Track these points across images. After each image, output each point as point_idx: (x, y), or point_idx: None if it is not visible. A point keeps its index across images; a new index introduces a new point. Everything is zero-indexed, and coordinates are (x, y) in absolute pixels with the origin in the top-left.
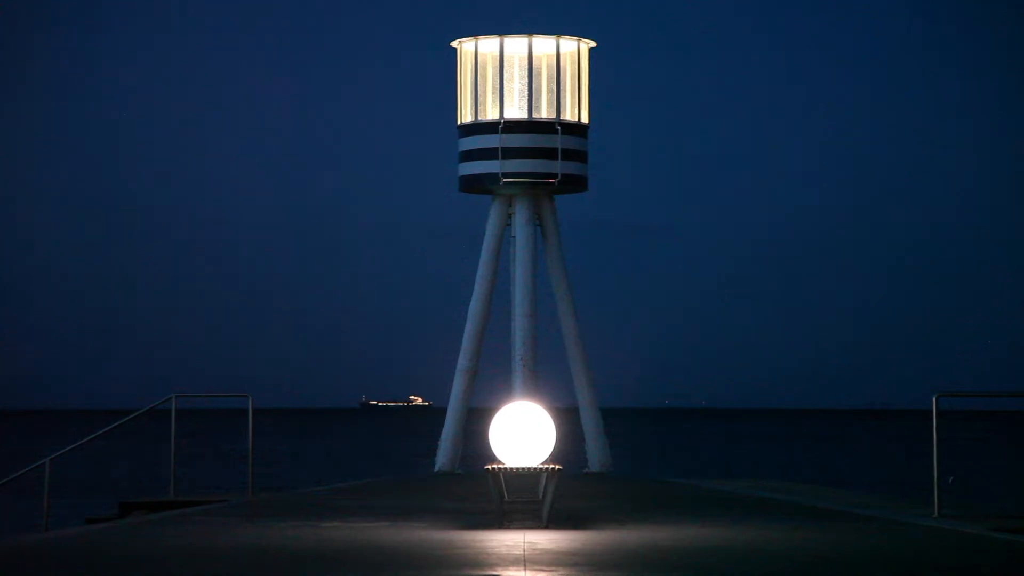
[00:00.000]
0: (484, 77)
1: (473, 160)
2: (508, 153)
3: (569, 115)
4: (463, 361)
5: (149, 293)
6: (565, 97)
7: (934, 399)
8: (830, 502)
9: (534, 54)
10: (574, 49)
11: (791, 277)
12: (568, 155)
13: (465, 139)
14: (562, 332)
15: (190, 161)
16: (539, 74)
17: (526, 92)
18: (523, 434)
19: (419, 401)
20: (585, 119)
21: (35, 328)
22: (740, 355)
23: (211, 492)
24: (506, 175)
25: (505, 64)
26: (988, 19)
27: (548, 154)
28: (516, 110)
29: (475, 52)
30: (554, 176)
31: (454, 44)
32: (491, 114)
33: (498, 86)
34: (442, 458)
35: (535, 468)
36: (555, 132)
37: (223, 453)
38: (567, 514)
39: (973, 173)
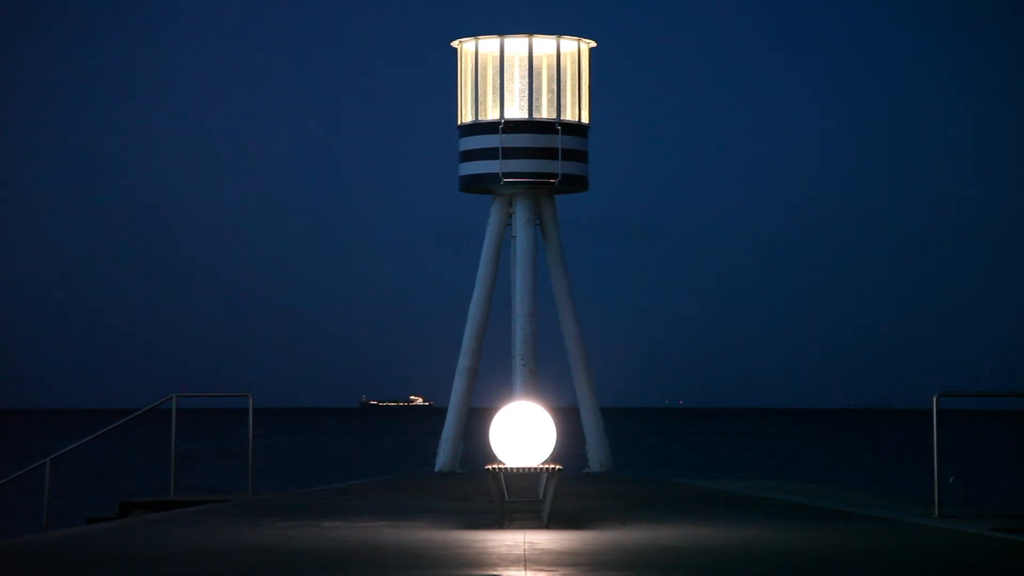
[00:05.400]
0: (484, 77)
1: (473, 160)
2: (508, 153)
3: (569, 115)
4: (463, 361)
5: (149, 293)
6: (565, 97)
7: (934, 399)
8: (830, 502)
9: (534, 54)
10: (574, 49)
11: (791, 277)
12: (568, 155)
13: (465, 139)
14: (562, 332)
15: (190, 161)
16: (539, 74)
17: (526, 92)
18: (523, 434)
19: (419, 401)
20: (585, 119)
21: (35, 328)
22: (740, 355)
23: (211, 492)
24: (506, 175)
25: (505, 64)
26: (988, 20)
27: (548, 154)
28: (516, 110)
29: (475, 52)
30: (554, 176)
31: (454, 44)
32: (491, 114)
33: (498, 86)
34: (442, 458)
35: (535, 468)
36: (555, 132)
37: (223, 452)
38: (567, 514)
39: (973, 173)
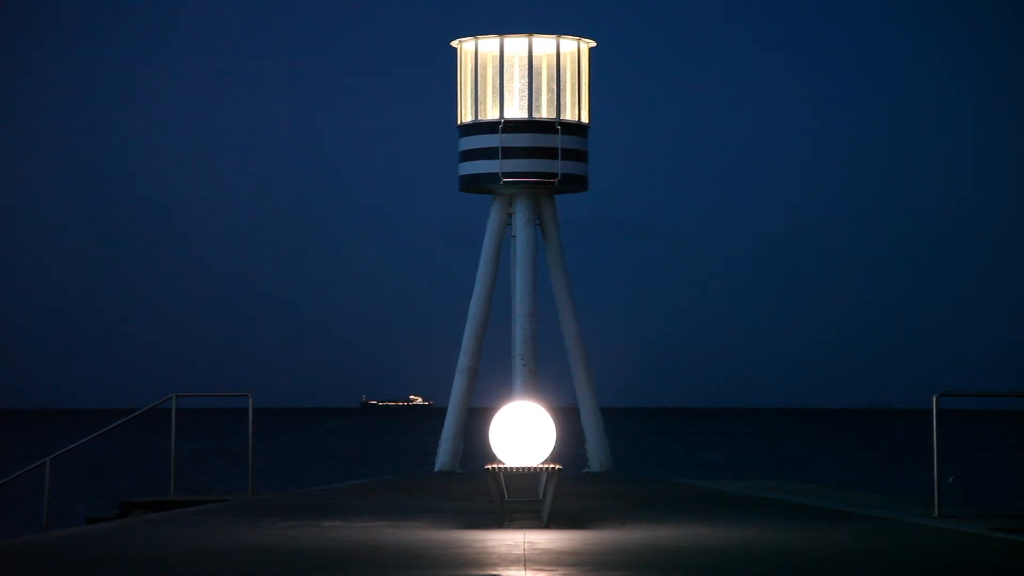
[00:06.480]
0: (484, 77)
1: (473, 160)
2: (508, 153)
3: (569, 115)
4: (463, 360)
5: (150, 293)
6: (565, 97)
7: (934, 399)
8: (830, 502)
9: (534, 54)
10: (574, 49)
11: (791, 277)
12: (568, 155)
13: (465, 139)
14: (562, 332)
15: (190, 161)
16: (539, 74)
17: (526, 92)
18: (523, 434)
19: (419, 401)
20: (585, 119)
21: (35, 328)
22: (739, 355)
23: (211, 492)
24: (506, 175)
25: (505, 64)
26: (987, 19)
27: (548, 154)
28: (516, 110)
29: (475, 52)
30: (554, 176)
31: (454, 44)
32: (491, 114)
33: (498, 86)
34: (442, 458)
35: (535, 468)
36: (555, 132)
37: (223, 452)
38: (567, 514)
39: (973, 173)
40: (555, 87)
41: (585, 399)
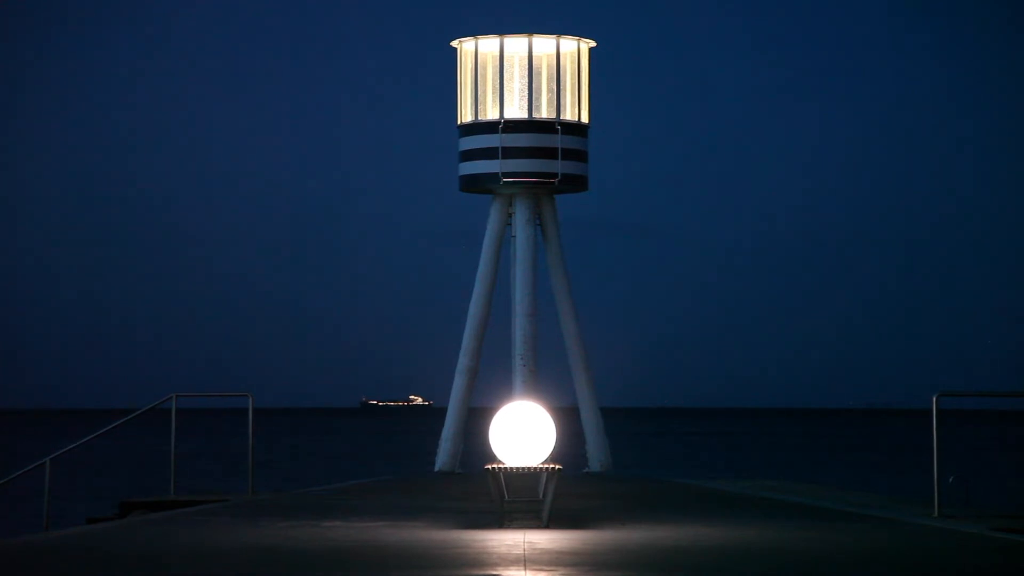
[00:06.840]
0: (484, 77)
1: (473, 160)
2: (508, 153)
3: (569, 115)
4: (463, 360)
5: (150, 293)
6: (565, 97)
7: (934, 399)
8: (830, 502)
9: (534, 54)
10: (574, 49)
11: (791, 277)
12: (568, 155)
13: (465, 139)
14: (562, 332)
15: (190, 161)
16: (539, 74)
17: (526, 92)
18: (523, 434)
19: (419, 401)
20: (585, 119)
21: (35, 328)
22: (739, 355)
23: (211, 492)
24: (506, 175)
25: (505, 64)
26: (987, 19)
27: (548, 154)
28: (516, 110)
29: (475, 52)
30: (554, 176)
31: (454, 44)
32: (491, 114)
33: (498, 86)
34: (442, 458)
35: (535, 468)
36: (555, 132)
37: (223, 452)
38: (567, 514)
39: (973, 173)
40: (555, 87)
41: (585, 399)
